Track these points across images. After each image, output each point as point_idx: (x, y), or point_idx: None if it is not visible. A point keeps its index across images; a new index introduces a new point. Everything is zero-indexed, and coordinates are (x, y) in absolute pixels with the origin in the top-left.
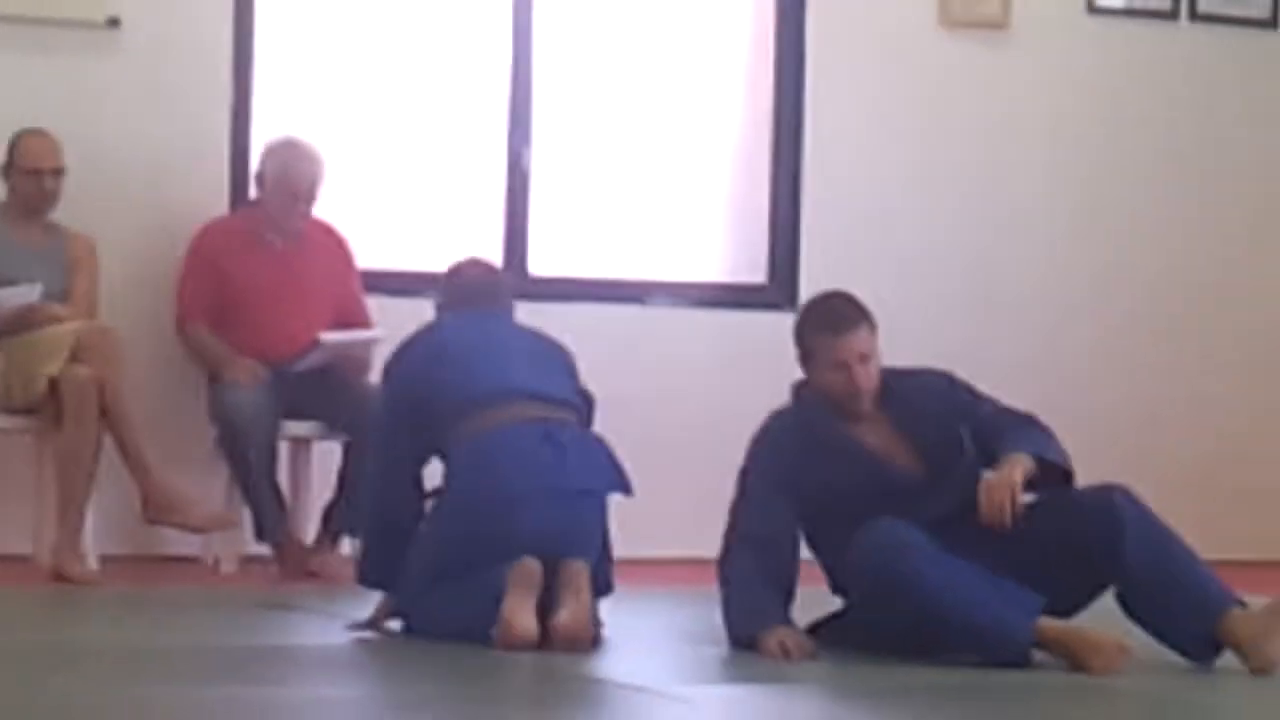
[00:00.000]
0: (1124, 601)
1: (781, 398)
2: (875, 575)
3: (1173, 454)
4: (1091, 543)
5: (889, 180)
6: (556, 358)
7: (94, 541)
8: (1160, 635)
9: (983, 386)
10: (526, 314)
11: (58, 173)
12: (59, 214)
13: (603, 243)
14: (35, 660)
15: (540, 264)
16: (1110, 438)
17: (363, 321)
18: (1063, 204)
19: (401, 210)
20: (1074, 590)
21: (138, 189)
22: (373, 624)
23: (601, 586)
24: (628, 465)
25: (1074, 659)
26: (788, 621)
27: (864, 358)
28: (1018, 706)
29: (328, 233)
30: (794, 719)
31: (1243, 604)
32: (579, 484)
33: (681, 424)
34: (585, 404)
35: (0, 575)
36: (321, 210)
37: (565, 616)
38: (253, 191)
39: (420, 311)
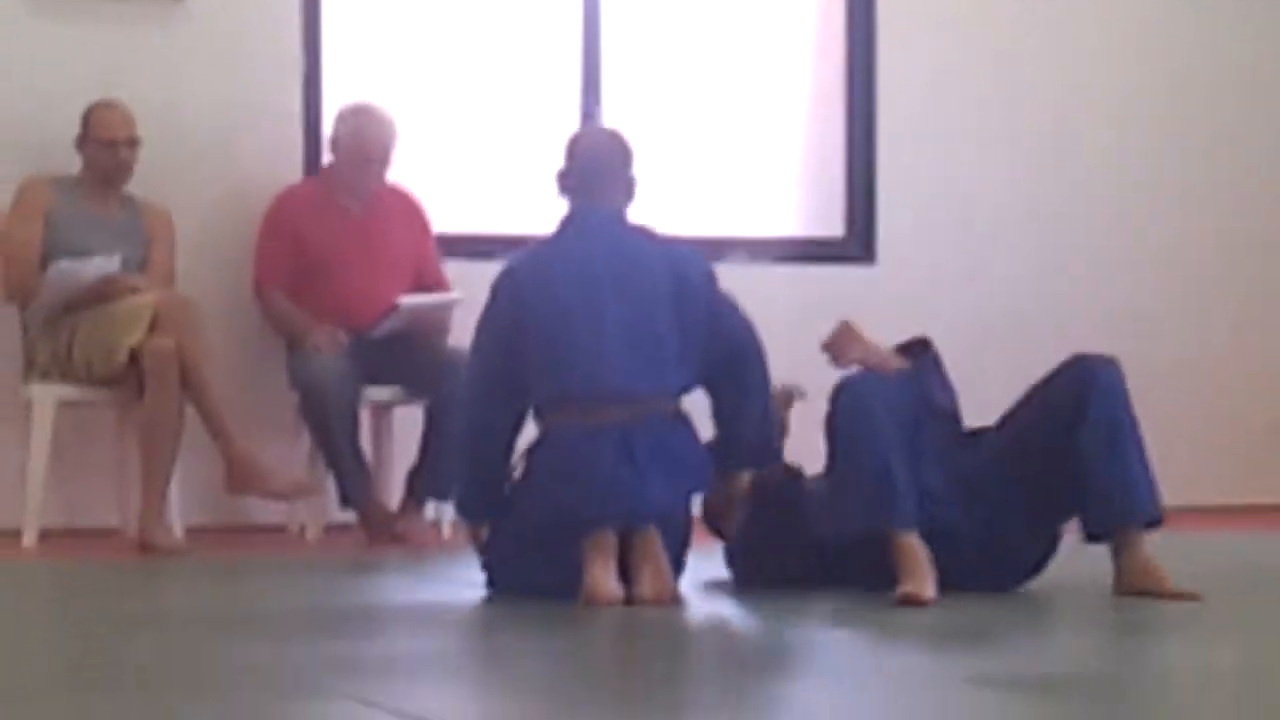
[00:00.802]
0: (1071, 463)
1: None
2: (842, 400)
3: (1244, 407)
4: (1063, 394)
5: (964, 130)
6: (661, 318)
7: (179, 512)
8: (1079, 498)
9: (1060, 332)
10: None
11: (133, 143)
12: (134, 186)
13: (678, 200)
14: (122, 624)
15: None
16: (1184, 391)
17: (440, 285)
18: (1133, 163)
19: (476, 173)
20: (1046, 454)
21: (211, 158)
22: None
23: (680, 561)
24: (708, 425)
25: (898, 579)
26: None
27: None
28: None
29: (403, 197)
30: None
31: (1158, 521)
32: (651, 508)
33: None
34: (713, 359)
35: (87, 547)
36: (396, 175)
37: (646, 584)
38: (326, 157)
39: (496, 273)
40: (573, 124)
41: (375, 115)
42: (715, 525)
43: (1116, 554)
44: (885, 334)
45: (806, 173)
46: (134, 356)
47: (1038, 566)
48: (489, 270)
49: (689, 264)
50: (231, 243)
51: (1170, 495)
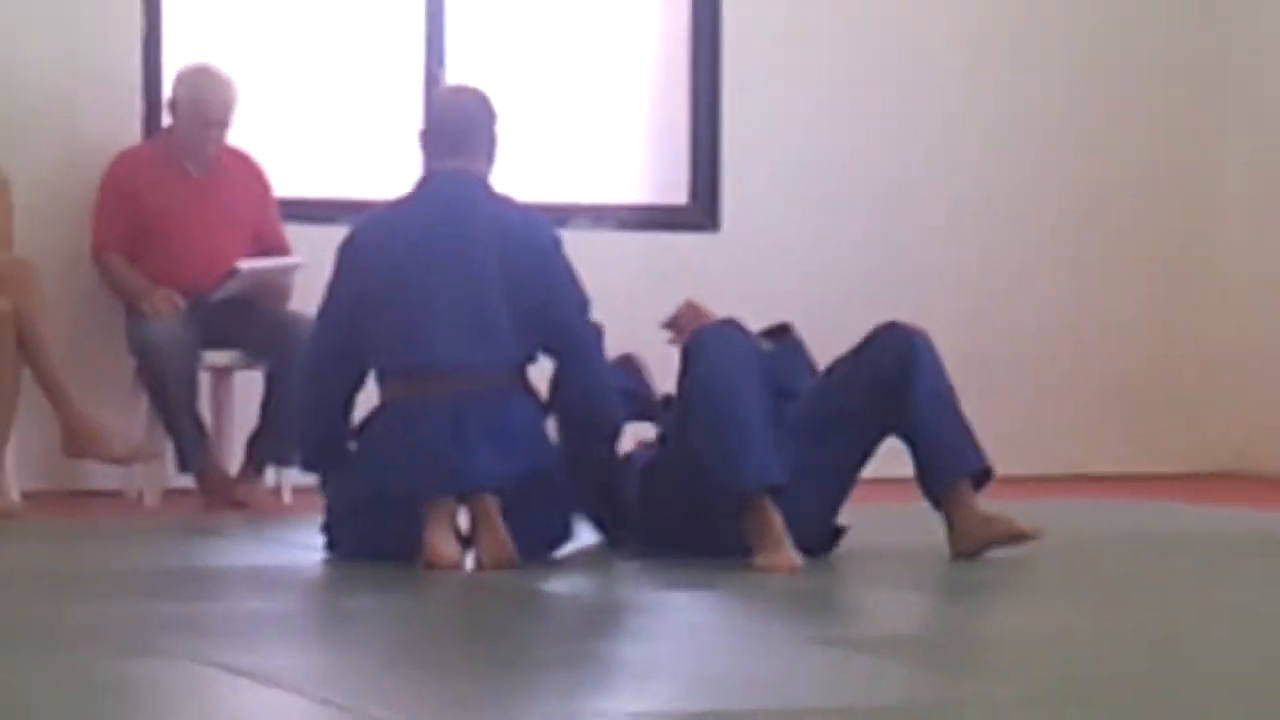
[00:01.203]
0: (899, 429)
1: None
2: (699, 353)
3: (1095, 367)
4: (888, 370)
5: (808, 98)
6: (492, 289)
7: (15, 476)
8: (920, 466)
9: (903, 300)
10: None
11: None
12: None
13: (522, 165)
14: None
15: None
16: (1032, 351)
17: (281, 249)
18: (981, 117)
19: (318, 136)
20: (866, 424)
21: (50, 120)
22: None
23: (557, 531)
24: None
25: (751, 549)
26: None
27: None
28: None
29: (244, 160)
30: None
31: (988, 474)
32: (479, 480)
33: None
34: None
35: None
36: (237, 137)
37: (485, 549)
38: (165, 119)
39: (338, 237)
40: (416, 86)
41: (215, 77)
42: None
43: (950, 514)
44: (728, 303)
45: (651, 139)
46: None
47: (821, 550)
48: (330, 234)
49: (529, 232)
50: (70, 205)
51: (1013, 462)
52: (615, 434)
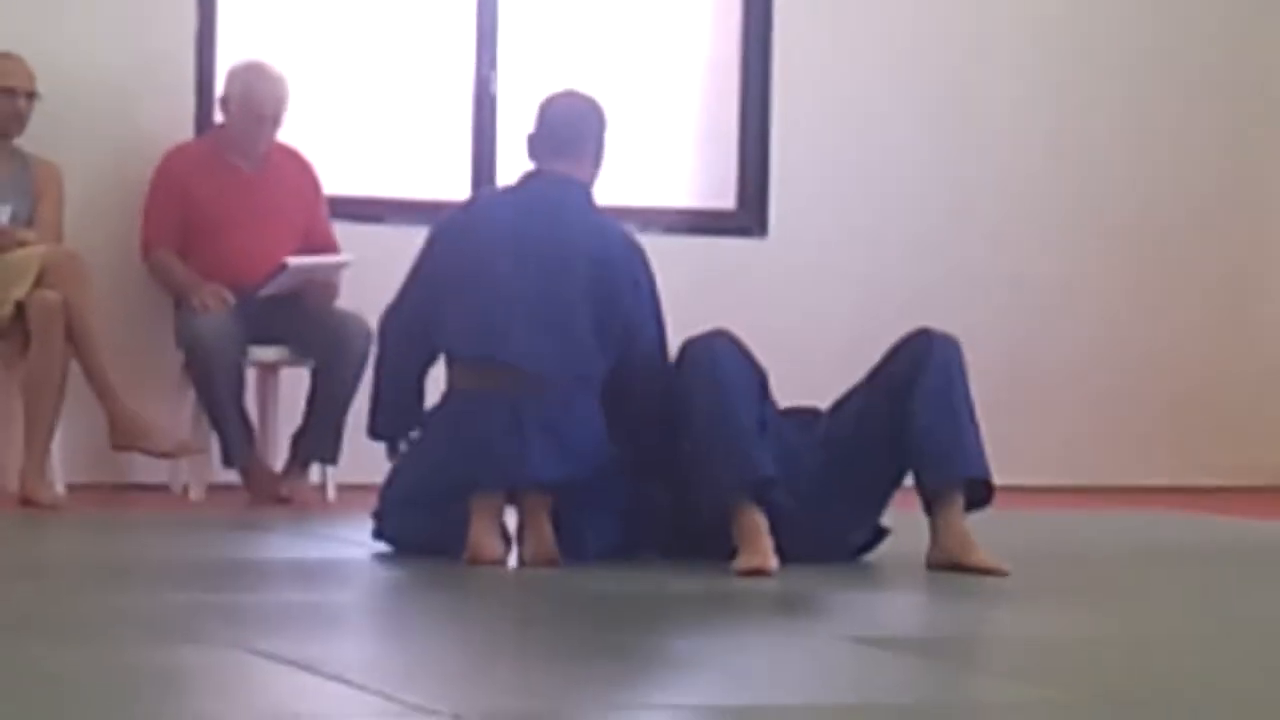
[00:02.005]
0: (904, 425)
1: (750, 322)
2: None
3: (1148, 379)
4: (899, 365)
5: (859, 103)
6: (573, 293)
7: (61, 468)
8: (912, 464)
9: (954, 308)
10: None
11: (30, 95)
12: (25, 141)
13: None
14: (1, 573)
15: None
16: (1084, 362)
17: (330, 246)
18: (1037, 126)
19: (369, 135)
20: (889, 426)
21: (103, 114)
22: None
23: (609, 538)
24: None
25: (737, 549)
26: None
27: None
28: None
29: (294, 158)
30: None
31: (988, 487)
32: (532, 478)
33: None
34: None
35: None
36: (288, 135)
37: (528, 546)
38: (218, 116)
39: (387, 236)
40: (467, 87)
41: (268, 74)
42: None
43: (934, 522)
44: (776, 309)
45: (700, 144)
46: (20, 310)
47: (860, 551)
48: (379, 233)
49: (628, 256)
50: (121, 200)
51: (1062, 473)
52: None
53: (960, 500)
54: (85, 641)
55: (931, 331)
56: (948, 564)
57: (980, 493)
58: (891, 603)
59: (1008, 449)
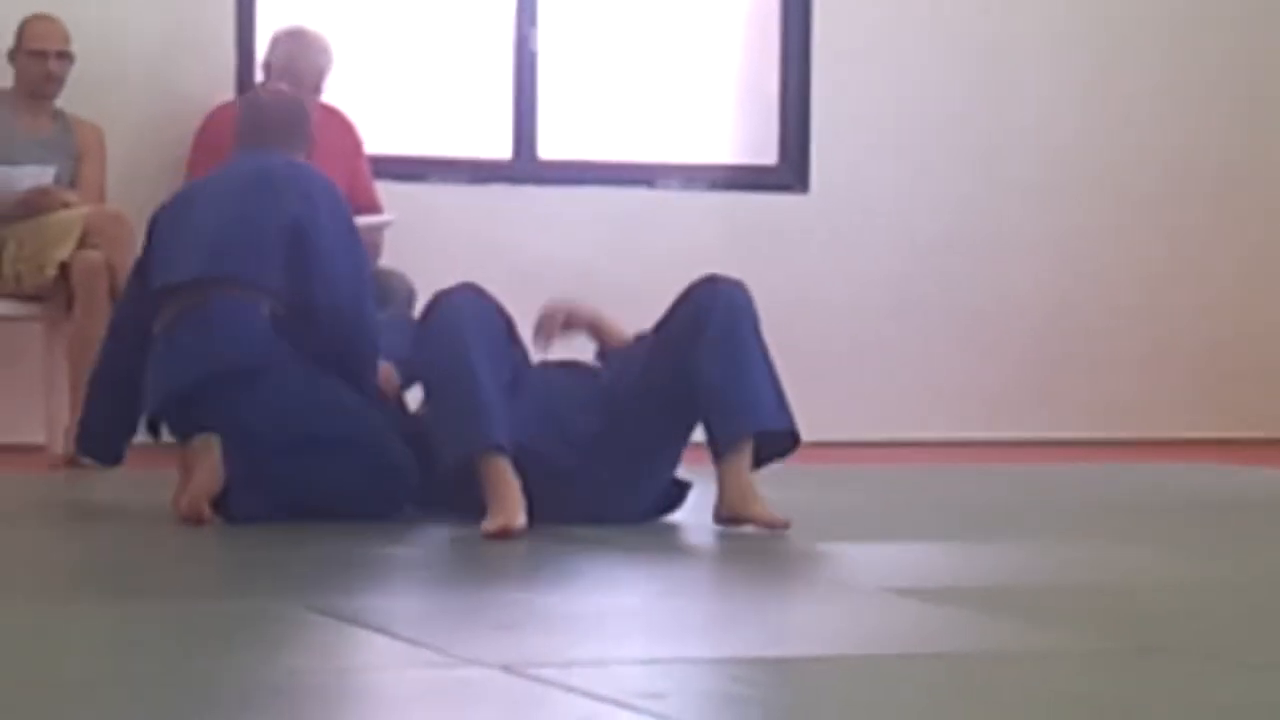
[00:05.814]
0: (692, 379)
1: (792, 278)
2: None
3: (1186, 332)
4: (683, 316)
5: (900, 58)
6: (257, 213)
7: None
8: (703, 421)
9: (992, 264)
10: (536, 198)
11: (63, 56)
12: (67, 103)
13: (611, 125)
14: (59, 528)
15: (549, 147)
16: (1123, 316)
17: (372, 206)
18: (1075, 80)
19: (410, 94)
20: (673, 378)
21: (144, 75)
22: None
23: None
24: None
25: (488, 510)
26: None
27: None
28: None
29: (336, 117)
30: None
31: (792, 435)
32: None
33: None
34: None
35: (13, 463)
36: (330, 96)
37: (187, 493)
38: (259, 75)
39: (429, 195)
40: (508, 45)
41: (310, 43)
42: None
43: (719, 475)
44: (817, 264)
45: (741, 100)
46: (64, 270)
47: (661, 511)
48: (421, 192)
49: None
50: (164, 161)
51: (1101, 427)
52: None
53: (746, 454)
54: (140, 597)
55: (717, 279)
56: (730, 518)
57: (783, 442)
58: (932, 553)
59: (1051, 404)
